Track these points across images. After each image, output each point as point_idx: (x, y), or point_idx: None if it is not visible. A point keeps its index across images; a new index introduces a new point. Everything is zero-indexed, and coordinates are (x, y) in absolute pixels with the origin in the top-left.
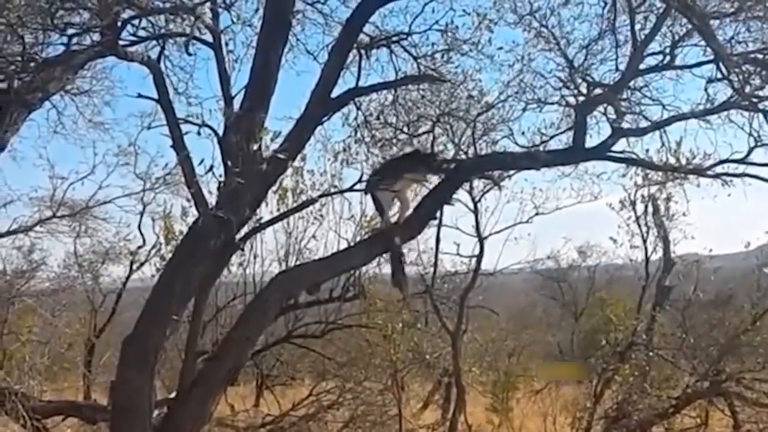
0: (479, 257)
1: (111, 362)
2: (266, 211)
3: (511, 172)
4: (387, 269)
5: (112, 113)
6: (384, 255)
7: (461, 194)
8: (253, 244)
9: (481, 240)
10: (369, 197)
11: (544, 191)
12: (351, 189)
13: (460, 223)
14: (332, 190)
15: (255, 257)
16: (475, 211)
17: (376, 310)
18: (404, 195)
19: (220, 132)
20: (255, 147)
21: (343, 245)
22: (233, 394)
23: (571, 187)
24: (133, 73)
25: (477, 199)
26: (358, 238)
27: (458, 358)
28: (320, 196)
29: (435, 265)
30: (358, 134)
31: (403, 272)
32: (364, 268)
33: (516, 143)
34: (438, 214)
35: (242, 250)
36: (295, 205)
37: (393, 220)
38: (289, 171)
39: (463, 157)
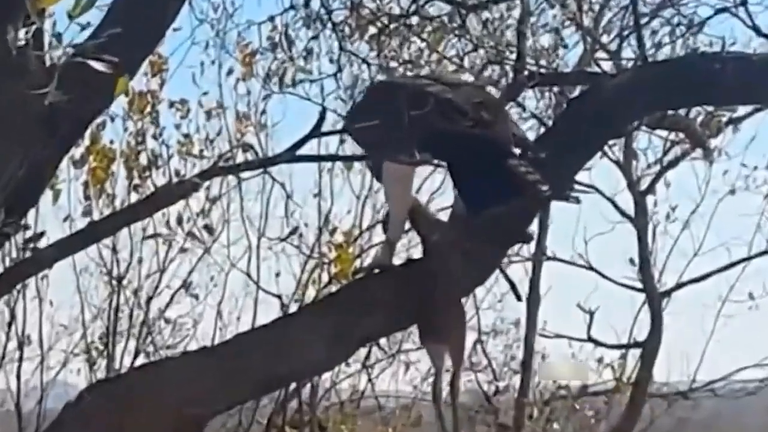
0: (648, 347)
1: None
2: (51, 215)
3: (741, 110)
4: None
5: None
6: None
7: (597, 172)
8: (18, 305)
9: (655, 300)
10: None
11: None
12: (294, 157)
13: (597, 253)
14: (242, 160)
15: (24, 344)
16: (638, 220)
17: None
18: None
19: None
20: (19, 36)
21: (269, 313)
22: None
23: None
24: None
25: (645, 185)
26: (309, 294)
27: None
28: (203, 176)
29: (525, 368)
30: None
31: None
32: (327, 376)
33: (753, 27)
34: (535, 229)
35: None
36: (137, 199)
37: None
38: (121, 101)
39: (607, 67)
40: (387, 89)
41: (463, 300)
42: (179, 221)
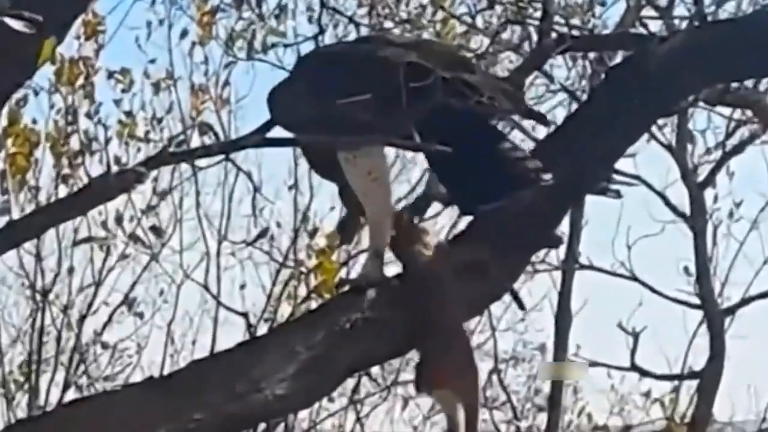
0: (707, 377)
1: None
2: None
3: None
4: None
5: None
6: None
7: (643, 159)
8: None
9: (716, 320)
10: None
11: None
12: (263, 140)
13: (643, 260)
14: (199, 144)
15: None
16: (695, 220)
17: None
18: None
19: None
20: None
21: (232, 335)
22: None
23: None
24: None
25: (704, 176)
26: (282, 312)
27: None
28: (150, 164)
29: (553, 403)
30: None
31: None
32: (306, 414)
33: None
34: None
35: None
36: (66, 193)
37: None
38: (47, 70)
39: (655, 28)
40: (338, 59)
41: (466, 329)
42: (119, 221)
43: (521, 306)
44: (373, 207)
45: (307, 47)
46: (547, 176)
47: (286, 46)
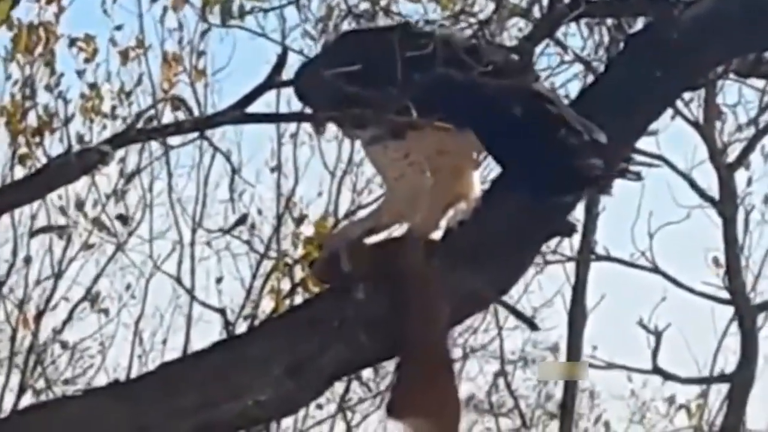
0: (738, 381)
1: None
2: None
3: None
4: None
5: None
6: None
7: (667, 137)
8: None
9: (748, 317)
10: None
11: None
12: (243, 116)
13: (667, 250)
14: (171, 120)
15: None
16: (724, 205)
17: None
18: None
19: None
20: None
21: (207, 334)
22: None
23: None
24: None
25: (735, 156)
26: (264, 308)
27: None
28: (116, 142)
29: (566, 411)
30: None
31: None
32: (290, 422)
33: None
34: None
35: None
36: (23, 174)
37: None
38: (1, 37)
39: None
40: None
41: (453, 351)
42: (81, 206)
43: (532, 326)
44: (404, 195)
45: (290, 13)
46: (611, 185)
47: (266, 10)
